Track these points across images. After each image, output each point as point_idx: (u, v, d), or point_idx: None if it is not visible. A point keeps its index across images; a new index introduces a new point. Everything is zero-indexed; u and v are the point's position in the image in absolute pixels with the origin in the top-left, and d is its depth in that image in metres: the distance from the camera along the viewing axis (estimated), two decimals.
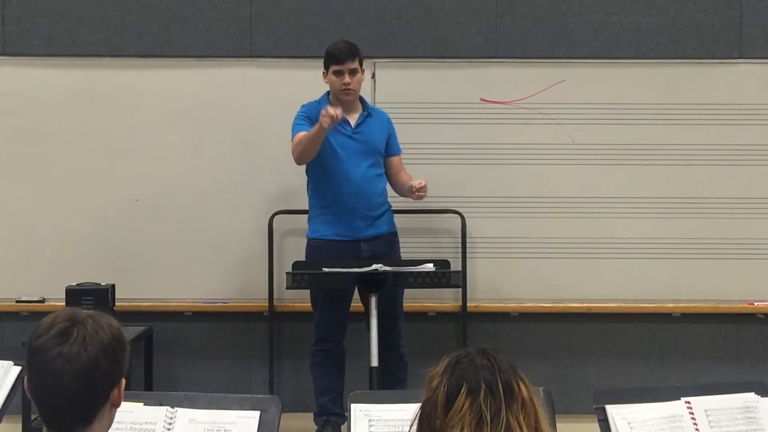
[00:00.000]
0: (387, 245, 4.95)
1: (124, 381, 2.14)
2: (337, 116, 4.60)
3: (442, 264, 4.82)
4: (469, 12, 5.47)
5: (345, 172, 4.86)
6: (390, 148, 5.03)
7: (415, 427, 2.08)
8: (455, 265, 5.14)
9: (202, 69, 5.48)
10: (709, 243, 5.45)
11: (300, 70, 5.46)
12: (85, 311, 2.16)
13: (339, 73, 4.85)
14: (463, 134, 5.44)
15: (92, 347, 2.07)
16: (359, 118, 4.95)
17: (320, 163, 4.88)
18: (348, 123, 4.92)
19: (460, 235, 5.38)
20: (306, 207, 5.27)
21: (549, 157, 5.46)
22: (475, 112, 5.46)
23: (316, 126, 4.68)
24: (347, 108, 4.92)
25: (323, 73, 4.92)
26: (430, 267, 4.69)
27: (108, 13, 5.46)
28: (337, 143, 4.86)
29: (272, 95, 5.45)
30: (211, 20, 5.47)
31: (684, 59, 5.47)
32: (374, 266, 4.57)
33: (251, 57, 5.47)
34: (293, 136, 4.88)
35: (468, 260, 5.37)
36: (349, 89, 4.86)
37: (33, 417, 4.88)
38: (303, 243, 5.33)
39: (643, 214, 5.46)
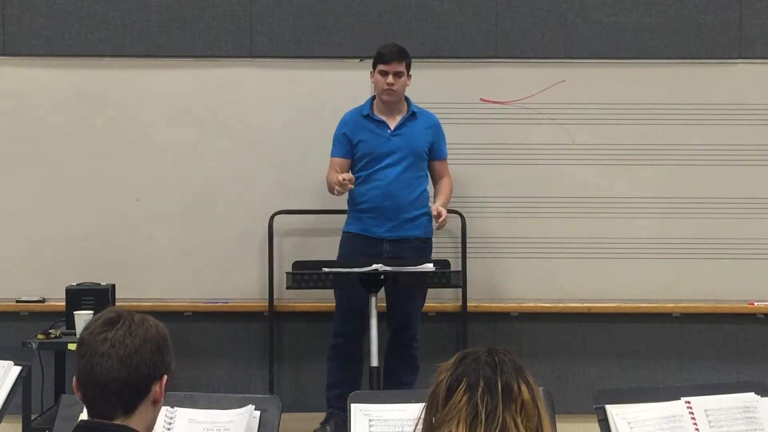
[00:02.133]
0: (413, 249, 4.94)
1: (166, 378, 2.20)
2: (348, 184, 4.75)
3: (442, 264, 4.83)
4: (469, 12, 5.47)
5: (377, 172, 4.90)
6: (433, 152, 5.03)
7: (421, 420, 2.10)
8: (455, 265, 5.14)
9: (202, 69, 5.48)
10: (709, 243, 5.45)
11: (300, 70, 5.46)
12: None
13: (384, 74, 4.91)
14: (463, 134, 5.43)
15: (137, 336, 2.16)
16: (400, 120, 4.99)
17: (357, 162, 4.98)
18: (387, 125, 4.97)
19: (460, 235, 5.38)
20: (306, 207, 5.30)
21: (549, 157, 5.46)
22: (475, 112, 5.46)
23: (335, 183, 4.80)
24: (390, 109, 4.98)
25: (371, 72, 4.98)
26: (430, 267, 4.70)
27: (108, 13, 5.45)
28: (373, 145, 4.95)
29: (272, 95, 5.46)
30: (211, 20, 5.47)
31: (684, 59, 5.47)
32: (374, 266, 4.58)
33: (251, 57, 5.47)
34: (331, 156, 5.02)
35: (468, 260, 5.37)
36: (391, 90, 4.91)
37: (33, 417, 4.88)
38: (303, 243, 5.41)
39: (643, 214, 5.46)
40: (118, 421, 2.13)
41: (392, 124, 4.99)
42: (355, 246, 4.95)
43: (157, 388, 2.17)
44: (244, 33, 5.47)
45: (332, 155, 5.02)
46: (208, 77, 5.48)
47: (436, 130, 5.07)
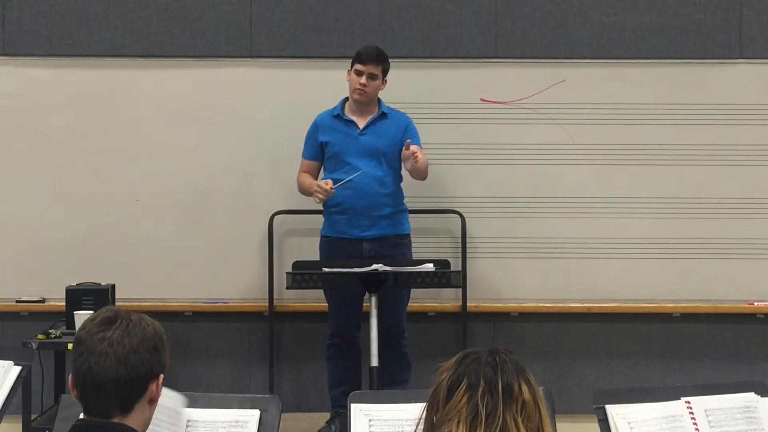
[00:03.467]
0: (393, 247, 4.97)
1: (162, 377, 2.20)
2: (330, 192, 4.80)
3: (442, 264, 4.83)
4: (469, 12, 5.47)
5: (347, 172, 4.91)
6: (403, 143, 4.98)
7: (422, 419, 2.10)
8: (455, 265, 5.15)
9: (202, 69, 5.48)
10: (709, 243, 5.45)
11: (300, 70, 5.47)
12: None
13: (359, 73, 4.94)
14: (463, 134, 5.44)
15: (135, 335, 2.16)
16: (370, 119, 5.01)
17: (328, 164, 5.01)
18: (356, 125, 4.99)
19: (460, 235, 5.38)
20: (306, 207, 5.30)
21: (549, 157, 5.46)
22: (475, 112, 5.46)
23: (311, 187, 4.89)
24: (361, 110, 5.00)
25: (348, 71, 4.99)
26: (430, 267, 4.70)
27: (108, 13, 5.46)
28: (342, 145, 4.98)
29: (272, 95, 5.46)
30: (211, 20, 5.47)
31: (684, 59, 5.47)
32: (374, 266, 4.58)
33: (251, 57, 5.47)
34: (302, 156, 5.10)
35: (468, 260, 5.37)
36: (363, 91, 4.93)
37: (33, 417, 4.88)
38: (303, 243, 5.41)
39: (643, 214, 5.46)
40: (115, 420, 2.13)
41: (362, 124, 5.01)
42: (335, 249, 4.97)
43: (153, 387, 2.18)
44: (244, 33, 5.47)
45: (302, 156, 5.10)
46: (208, 77, 5.48)
47: (406, 128, 5.04)
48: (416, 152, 4.82)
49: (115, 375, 2.12)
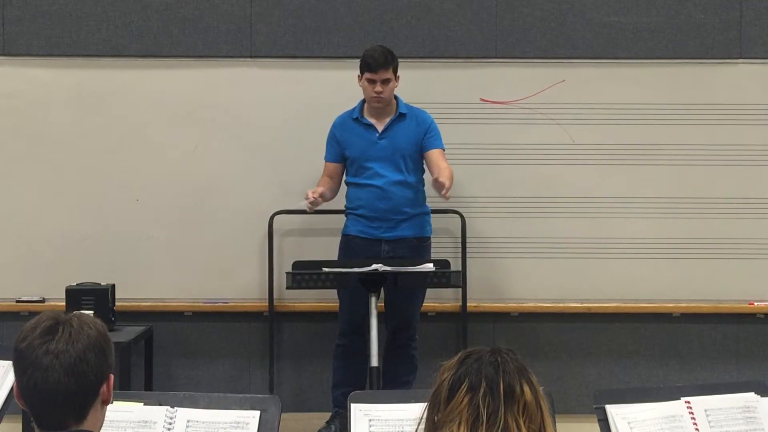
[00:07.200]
0: (412, 249, 4.96)
1: (112, 377, 2.14)
2: (317, 200, 4.81)
3: (442, 264, 4.84)
4: (469, 12, 5.47)
5: (369, 177, 4.92)
6: (423, 146, 4.98)
7: (424, 419, 2.10)
8: (455, 265, 5.15)
9: (202, 69, 5.48)
10: (709, 243, 5.45)
11: (300, 70, 5.47)
12: (68, 313, 2.16)
13: (372, 82, 4.89)
14: (463, 134, 5.43)
15: (79, 343, 2.07)
16: (387, 122, 4.99)
17: (350, 168, 5.01)
18: (375, 129, 4.98)
19: (460, 235, 5.38)
20: (305, 207, 5.30)
21: (549, 157, 5.46)
22: (475, 112, 5.46)
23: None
24: (379, 112, 5.00)
25: (358, 76, 4.95)
26: (430, 267, 4.71)
27: (108, 13, 5.46)
28: (362, 150, 4.97)
29: (272, 95, 5.46)
30: (211, 20, 5.47)
31: (684, 59, 5.47)
32: (374, 266, 4.58)
33: (251, 57, 5.47)
34: (324, 160, 5.08)
35: (468, 260, 5.37)
36: (380, 98, 4.91)
37: None
38: (303, 243, 5.42)
39: (643, 214, 5.46)
40: (72, 429, 2.08)
41: (381, 127, 4.99)
42: (354, 248, 4.97)
43: (104, 389, 2.12)
44: (244, 33, 5.47)
45: (325, 159, 5.07)
46: (208, 77, 5.48)
47: (425, 126, 5.02)
48: (444, 184, 4.72)
49: (64, 388, 2.04)
